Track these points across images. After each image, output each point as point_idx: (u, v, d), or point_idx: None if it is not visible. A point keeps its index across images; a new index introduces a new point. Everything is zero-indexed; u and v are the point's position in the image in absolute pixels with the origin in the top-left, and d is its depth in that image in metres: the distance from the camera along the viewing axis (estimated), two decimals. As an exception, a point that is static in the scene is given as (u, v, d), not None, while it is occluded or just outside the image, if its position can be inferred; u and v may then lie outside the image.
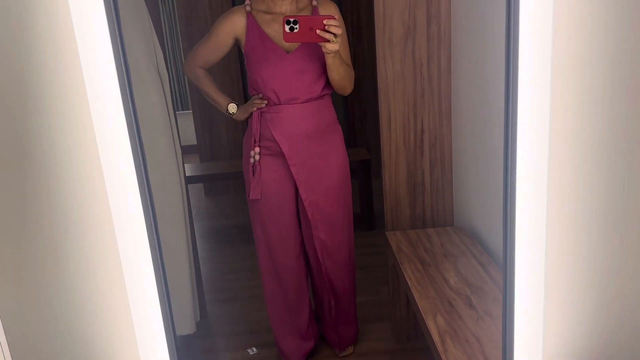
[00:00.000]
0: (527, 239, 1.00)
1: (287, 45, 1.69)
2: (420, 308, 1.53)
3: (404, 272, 1.75)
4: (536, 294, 1.02)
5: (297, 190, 1.82)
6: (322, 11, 1.71)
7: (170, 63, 5.44)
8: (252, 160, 1.76)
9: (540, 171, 0.98)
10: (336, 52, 1.57)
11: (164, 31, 5.33)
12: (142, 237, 0.96)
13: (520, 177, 0.98)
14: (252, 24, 1.67)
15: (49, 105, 0.94)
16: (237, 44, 1.75)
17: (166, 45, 5.39)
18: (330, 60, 1.59)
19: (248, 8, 1.69)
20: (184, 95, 5.49)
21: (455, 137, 2.17)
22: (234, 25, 1.69)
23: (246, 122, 1.86)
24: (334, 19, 1.48)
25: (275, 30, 1.68)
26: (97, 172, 0.96)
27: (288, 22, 1.46)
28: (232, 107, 1.81)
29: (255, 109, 1.75)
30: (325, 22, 1.47)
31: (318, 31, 1.47)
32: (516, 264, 1.00)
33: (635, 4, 0.92)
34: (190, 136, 4.62)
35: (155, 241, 0.96)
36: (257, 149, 1.75)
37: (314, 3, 1.72)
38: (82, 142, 0.95)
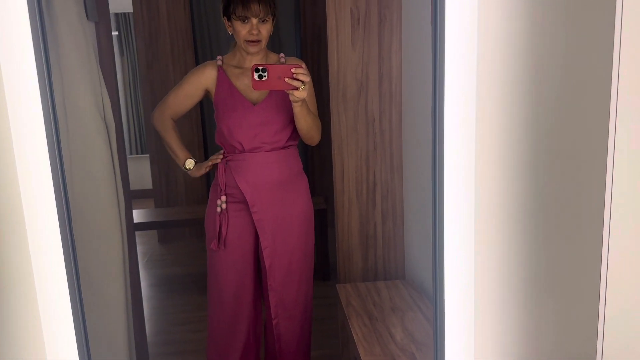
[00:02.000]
0: (458, 283, 1.02)
1: (254, 97, 1.73)
2: (364, 365, 1.50)
3: (351, 327, 1.73)
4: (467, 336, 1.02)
5: (258, 239, 1.81)
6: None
7: (131, 107, 5.41)
8: (218, 209, 1.77)
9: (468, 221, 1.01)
10: (303, 101, 1.61)
11: (127, 76, 5.33)
12: (64, 292, 0.92)
13: (448, 222, 1.00)
14: (223, 77, 1.74)
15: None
16: (207, 95, 1.82)
17: (129, 89, 5.37)
18: (297, 109, 1.62)
19: (220, 62, 1.78)
20: (142, 139, 5.44)
21: (406, 190, 2.21)
22: (205, 77, 1.76)
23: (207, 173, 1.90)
24: (302, 67, 1.52)
25: (245, 83, 1.74)
26: (19, 223, 0.92)
27: (257, 70, 1.50)
28: (189, 163, 1.85)
29: (208, 170, 1.82)
30: (293, 70, 1.50)
31: (286, 79, 1.50)
32: (446, 305, 1.00)
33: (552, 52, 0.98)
34: (146, 180, 4.54)
35: (77, 294, 0.92)
36: (223, 198, 1.76)
37: (282, 60, 1.78)
38: (4, 191, 0.92)
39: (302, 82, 1.52)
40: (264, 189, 1.74)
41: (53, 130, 0.91)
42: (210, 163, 1.82)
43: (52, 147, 0.92)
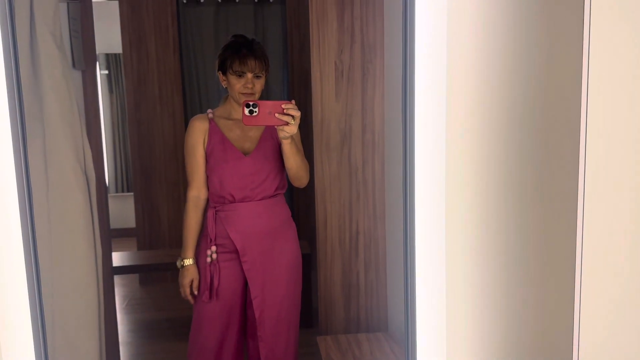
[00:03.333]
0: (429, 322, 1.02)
1: (245, 148, 1.77)
2: None
3: (330, 383, 1.70)
4: None
5: (247, 290, 1.80)
6: None
7: (119, 145, 5.42)
8: (209, 259, 1.76)
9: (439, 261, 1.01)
10: (292, 139, 1.63)
11: (116, 113, 5.36)
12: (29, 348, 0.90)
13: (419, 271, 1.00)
14: (214, 129, 1.76)
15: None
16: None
17: (117, 128, 5.39)
18: (287, 147, 1.64)
19: (210, 115, 1.80)
20: (129, 177, 5.42)
21: (389, 239, 2.21)
22: (199, 129, 1.77)
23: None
24: (291, 103, 1.54)
25: (237, 134, 1.77)
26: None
27: (248, 106, 1.50)
28: (188, 261, 1.80)
29: (189, 282, 1.78)
30: (283, 105, 1.51)
31: (276, 114, 1.51)
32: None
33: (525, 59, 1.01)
34: (131, 218, 4.49)
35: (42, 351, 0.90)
36: (213, 248, 1.75)
37: None
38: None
39: (292, 117, 1.53)
40: (254, 237, 1.75)
41: (25, 186, 0.90)
42: (189, 285, 1.79)
43: (23, 202, 0.92)
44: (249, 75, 1.69)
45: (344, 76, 2.14)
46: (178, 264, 1.82)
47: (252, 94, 1.71)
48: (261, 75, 1.72)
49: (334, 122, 2.16)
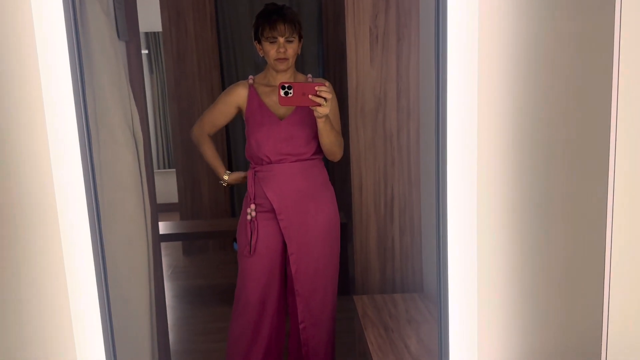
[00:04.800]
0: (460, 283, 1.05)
1: (281, 113, 1.85)
2: (378, 374, 1.53)
3: (367, 337, 1.76)
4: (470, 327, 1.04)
5: (286, 248, 1.89)
6: None
7: (160, 123, 5.58)
8: (248, 217, 1.88)
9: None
10: (327, 117, 1.71)
11: (156, 93, 5.51)
12: (93, 296, 0.99)
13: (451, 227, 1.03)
14: (253, 95, 1.87)
15: (9, 154, 0.99)
16: (239, 112, 1.95)
17: (158, 105, 5.55)
18: (321, 125, 1.72)
19: (251, 81, 1.91)
20: (170, 154, 5.59)
21: (424, 204, 2.24)
22: (237, 95, 1.90)
23: (229, 186, 2.08)
24: (325, 85, 1.62)
25: (273, 100, 1.86)
26: (53, 227, 1.00)
27: (283, 87, 1.61)
28: (226, 176, 2.01)
29: (243, 179, 1.98)
30: (316, 88, 1.61)
31: (310, 96, 1.60)
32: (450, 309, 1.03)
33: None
34: (173, 194, 4.66)
35: (105, 300, 0.98)
36: (252, 206, 1.88)
37: (309, 80, 1.89)
38: (40, 196, 1.00)
39: (325, 99, 1.61)
40: (290, 197, 1.84)
41: (86, 141, 0.98)
42: (244, 175, 1.97)
43: (85, 156, 1.00)
44: (281, 40, 1.76)
45: (379, 41, 2.16)
46: (223, 183, 2.02)
47: (286, 58, 1.78)
48: (293, 39, 1.78)
49: (368, 88, 2.19)
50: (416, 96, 2.20)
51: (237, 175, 1.99)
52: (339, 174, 4.15)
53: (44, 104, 0.97)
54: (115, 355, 1.04)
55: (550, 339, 1.07)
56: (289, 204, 1.84)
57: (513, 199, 1.05)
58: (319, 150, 1.87)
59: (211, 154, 2.03)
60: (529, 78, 1.02)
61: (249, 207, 1.87)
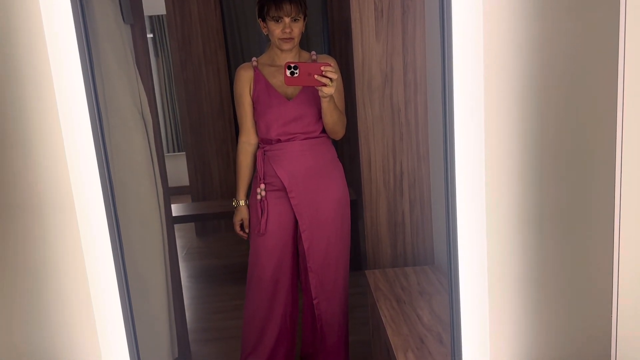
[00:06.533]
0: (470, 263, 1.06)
1: (288, 93, 1.85)
2: (392, 344, 1.56)
3: (379, 309, 1.78)
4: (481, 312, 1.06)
5: (297, 225, 1.92)
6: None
7: (167, 107, 5.60)
8: (258, 197, 1.90)
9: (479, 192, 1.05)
10: (331, 97, 1.71)
11: (162, 75, 5.51)
12: (111, 275, 1.02)
13: (460, 201, 1.04)
14: (259, 76, 1.87)
15: (24, 142, 1.02)
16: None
17: (164, 89, 5.55)
18: (325, 104, 1.73)
19: (255, 63, 1.90)
20: (179, 137, 5.62)
21: (434, 178, 2.24)
22: (245, 78, 1.89)
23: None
24: (330, 65, 1.62)
25: (279, 80, 1.85)
26: (69, 209, 1.02)
27: (289, 67, 1.61)
28: (239, 203, 1.96)
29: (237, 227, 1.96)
30: (322, 68, 1.61)
31: (316, 76, 1.60)
32: (461, 289, 1.05)
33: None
34: (183, 177, 4.70)
35: (123, 279, 1.01)
36: (262, 186, 1.89)
37: (313, 57, 1.86)
38: (55, 177, 1.02)
39: (330, 79, 1.61)
40: (300, 175, 1.86)
41: (98, 125, 1.00)
42: (239, 223, 1.97)
43: (97, 140, 1.02)
44: (286, 19, 1.75)
45: (384, 15, 2.14)
46: (234, 204, 1.98)
47: (291, 38, 1.77)
48: (298, 18, 1.77)
49: (375, 62, 2.18)
50: (422, 69, 2.19)
51: (245, 214, 1.95)
52: (348, 151, 4.15)
53: (55, 91, 0.99)
54: (135, 334, 1.07)
55: (560, 341, 1.08)
56: (299, 182, 1.86)
57: (523, 196, 1.05)
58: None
59: (244, 173, 1.95)
60: (536, 77, 1.01)
61: (259, 187, 1.89)
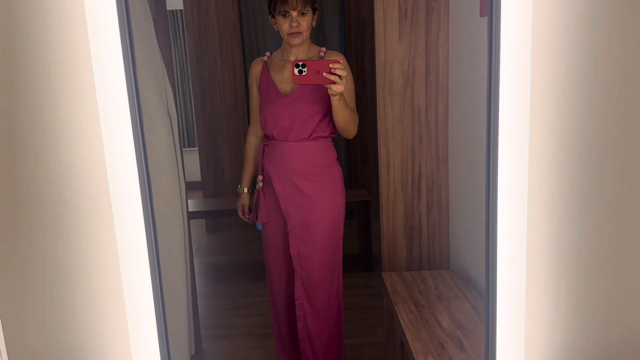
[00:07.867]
0: (509, 271, 1.05)
1: (287, 89, 1.83)
2: (412, 349, 1.55)
3: (397, 313, 1.78)
4: (518, 315, 1.05)
5: None
6: (329, 59, 1.82)
7: (179, 101, 5.60)
8: (257, 187, 1.94)
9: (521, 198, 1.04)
10: (341, 95, 1.67)
11: (175, 70, 5.52)
12: (145, 271, 1.01)
13: (501, 214, 1.03)
14: (265, 71, 1.88)
15: (63, 140, 1.01)
16: None
17: (176, 84, 5.56)
18: (335, 103, 1.68)
19: (266, 58, 1.91)
20: (191, 132, 5.62)
21: (452, 182, 2.23)
22: (254, 72, 1.92)
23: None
24: (339, 62, 1.58)
25: (283, 75, 1.83)
26: (106, 204, 1.02)
27: (297, 66, 1.58)
28: (242, 190, 2.04)
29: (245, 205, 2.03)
30: (331, 65, 1.57)
31: (324, 74, 1.57)
32: (498, 293, 1.04)
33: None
34: (195, 172, 4.70)
35: (157, 276, 1.01)
36: (260, 177, 1.93)
37: (322, 54, 1.84)
38: (94, 176, 1.02)
39: (340, 76, 1.58)
40: (287, 176, 1.83)
41: (138, 125, 1.00)
42: (241, 209, 2.04)
43: (137, 141, 1.01)
44: (293, 13, 1.72)
45: (408, 16, 2.12)
46: (238, 190, 2.05)
47: (299, 32, 1.74)
48: (306, 12, 1.73)
49: (397, 63, 2.16)
50: (445, 72, 2.17)
51: (246, 201, 2.02)
52: (360, 150, 4.14)
53: (96, 89, 0.98)
54: (166, 332, 1.07)
55: (597, 333, 1.07)
56: (285, 184, 1.83)
57: (562, 192, 1.04)
58: (323, 128, 1.82)
59: (248, 163, 2.03)
60: (581, 75, 1.00)
61: (258, 177, 1.94)
